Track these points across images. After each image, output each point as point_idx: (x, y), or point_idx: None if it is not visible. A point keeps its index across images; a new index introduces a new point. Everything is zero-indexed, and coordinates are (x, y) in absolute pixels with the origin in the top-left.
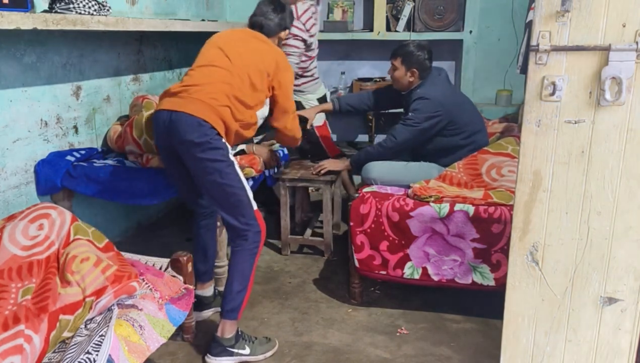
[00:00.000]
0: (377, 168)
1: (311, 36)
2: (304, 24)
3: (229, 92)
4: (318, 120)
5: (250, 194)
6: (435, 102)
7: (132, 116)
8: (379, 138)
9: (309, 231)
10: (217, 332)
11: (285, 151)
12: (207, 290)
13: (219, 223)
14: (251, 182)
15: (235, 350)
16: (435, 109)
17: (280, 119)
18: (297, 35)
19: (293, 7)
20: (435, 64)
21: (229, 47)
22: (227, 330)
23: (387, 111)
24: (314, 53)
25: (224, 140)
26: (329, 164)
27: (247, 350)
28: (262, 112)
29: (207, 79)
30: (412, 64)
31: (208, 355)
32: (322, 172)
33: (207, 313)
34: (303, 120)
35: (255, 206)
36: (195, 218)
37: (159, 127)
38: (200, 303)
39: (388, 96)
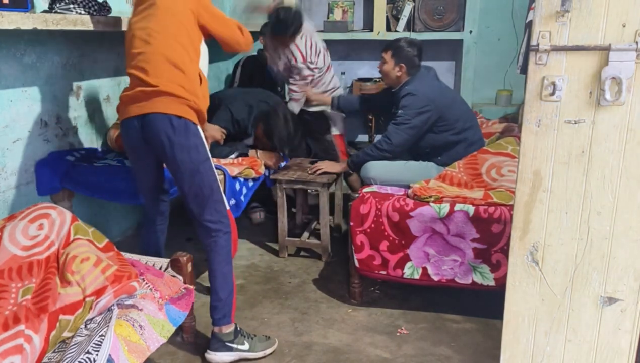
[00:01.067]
0: (376, 167)
1: (316, 67)
2: (311, 62)
3: (175, 73)
4: (338, 128)
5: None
6: (423, 98)
7: None
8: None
9: (306, 234)
10: (214, 329)
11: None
12: None
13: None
14: (251, 183)
15: (235, 346)
16: (423, 104)
17: (227, 42)
18: (307, 76)
19: (295, 48)
20: (435, 64)
21: (142, 29)
22: (224, 327)
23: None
24: (324, 68)
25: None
26: (326, 166)
27: (246, 346)
28: (203, 63)
29: (151, 77)
30: (400, 59)
31: (208, 350)
32: (318, 173)
33: None
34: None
35: (227, 205)
36: (149, 225)
37: (130, 132)
38: None
39: (385, 99)
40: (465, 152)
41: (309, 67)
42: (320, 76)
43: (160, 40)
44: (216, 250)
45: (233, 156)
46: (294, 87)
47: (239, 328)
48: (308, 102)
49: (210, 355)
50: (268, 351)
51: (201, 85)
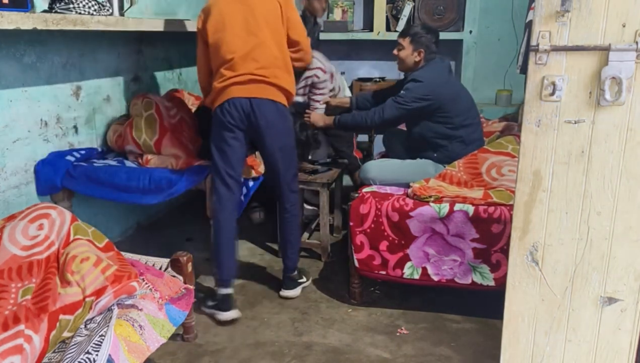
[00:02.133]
0: (374, 167)
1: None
2: (331, 75)
3: (281, 62)
4: None
5: None
6: (427, 86)
7: (132, 115)
8: (379, 138)
9: (306, 234)
10: (288, 273)
11: None
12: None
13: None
14: (251, 183)
15: (300, 282)
16: (425, 93)
17: (297, 44)
18: (331, 89)
19: (316, 69)
20: None
21: (242, 24)
22: (295, 272)
23: None
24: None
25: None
26: (314, 117)
27: (304, 279)
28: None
29: (261, 62)
30: (420, 45)
31: (283, 289)
32: (309, 121)
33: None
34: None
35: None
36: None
37: (235, 112)
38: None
39: (397, 91)
40: (461, 150)
41: (330, 82)
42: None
43: (265, 33)
44: (296, 214)
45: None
46: (317, 100)
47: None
48: (328, 108)
49: (287, 292)
50: (310, 279)
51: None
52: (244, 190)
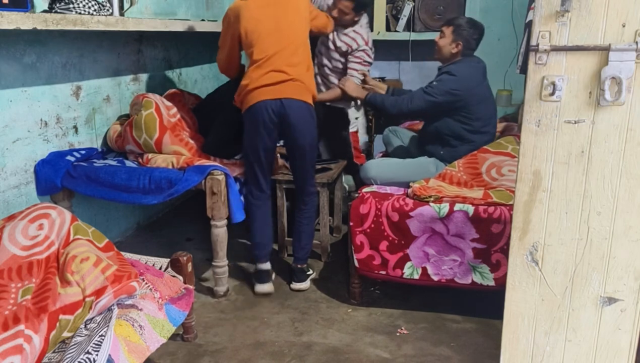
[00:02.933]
0: (375, 166)
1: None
2: (371, 48)
3: (306, 62)
4: (356, 125)
5: None
6: (459, 81)
7: (132, 115)
8: (379, 138)
9: None
10: (299, 265)
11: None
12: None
13: (217, 223)
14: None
15: (309, 274)
16: (456, 87)
17: (324, 32)
18: (366, 62)
19: (356, 34)
20: (435, 63)
21: (271, 25)
22: (304, 265)
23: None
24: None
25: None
26: (349, 84)
27: (311, 272)
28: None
29: (291, 62)
30: (460, 37)
31: (293, 282)
32: (343, 87)
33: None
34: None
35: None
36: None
37: (266, 114)
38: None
39: None
40: (467, 153)
41: (369, 53)
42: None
43: (291, 33)
44: (314, 206)
45: (237, 157)
46: (355, 68)
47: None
48: (344, 95)
49: (299, 284)
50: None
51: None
52: (238, 186)
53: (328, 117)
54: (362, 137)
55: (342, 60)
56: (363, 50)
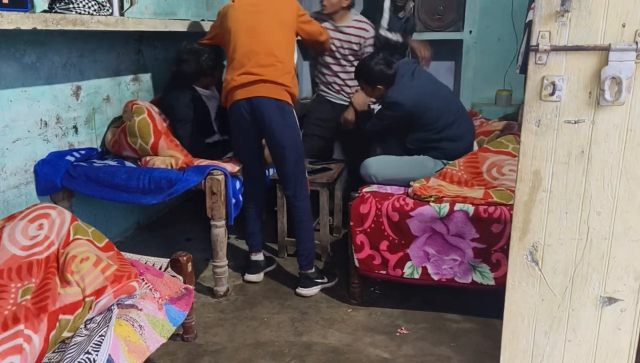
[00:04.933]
0: (374, 163)
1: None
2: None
3: (279, 65)
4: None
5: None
6: (400, 107)
7: (125, 121)
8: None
9: None
10: (302, 271)
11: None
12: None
13: (217, 223)
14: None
15: (318, 281)
16: (399, 114)
17: (317, 38)
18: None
19: (357, 22)
20: (435, 63)
21: (249, 25)
22: (310, 270)
23: None
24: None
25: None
26: (357, 98)
27: (325, 279)
28: (295, 58)
29: (259, 63)
30: (375, 81)
31: (299, 287)
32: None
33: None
34: None
35: (306, 175)
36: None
37: (240, 114)
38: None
39: None
40: (453, 147)
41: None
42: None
43: (265, 37)
44: (304, 208)
45: (229, 155)
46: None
47: (319, 268)
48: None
49: (303, 290)
50: (336, 280)
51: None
52: (238, 184)
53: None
54: None
55: (358, 52)
56: (372, 36)
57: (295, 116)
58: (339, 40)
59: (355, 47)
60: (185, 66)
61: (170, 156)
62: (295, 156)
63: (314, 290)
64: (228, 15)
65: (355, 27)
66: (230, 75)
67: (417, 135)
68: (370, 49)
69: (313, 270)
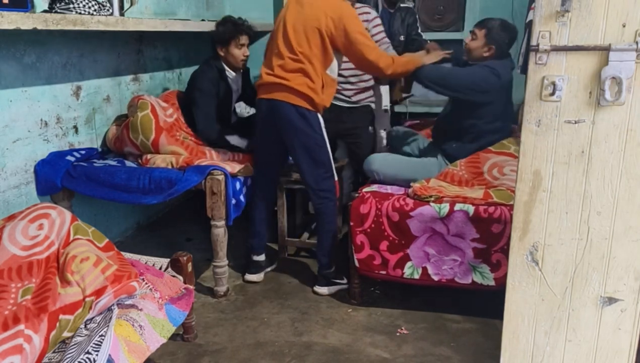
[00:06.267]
0: (380, 160)
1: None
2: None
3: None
4: (381, 125)
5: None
6: (497, 78)
7: (129, 117)
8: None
9: (306, 234)
10: (321, 270)
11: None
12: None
13: (217, 223)
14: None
15: (337, 281)
16: (496, 85)
17: (363, 63)
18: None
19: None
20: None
21: (288, 30)
22: (328, 269)
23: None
24: None
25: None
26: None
27: (344, 280)
28: (332, 68)
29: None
30: (493, 41)
31: (316, 285)
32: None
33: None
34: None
35: (335, 177)
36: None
37: (261, 111)
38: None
39: None
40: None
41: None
42: None
43: (296, 42)
44: (324, 212)
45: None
46: (381, 35)
47: (336, 268)
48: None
49: (318, 288)
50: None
51: (329, 89)
52: (245, 189)
53: (346, 118)
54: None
55: None
56: (376, 17)
57: (319, 121)
58: None
59: None
60: (220, 27)
61: (171, 153)
62: (309, 160)
63: (329, 289)
64: (284, 7)
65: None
66: (262, 69)
67: (473, 119)
68: (381, 34)
69: (331, 270)
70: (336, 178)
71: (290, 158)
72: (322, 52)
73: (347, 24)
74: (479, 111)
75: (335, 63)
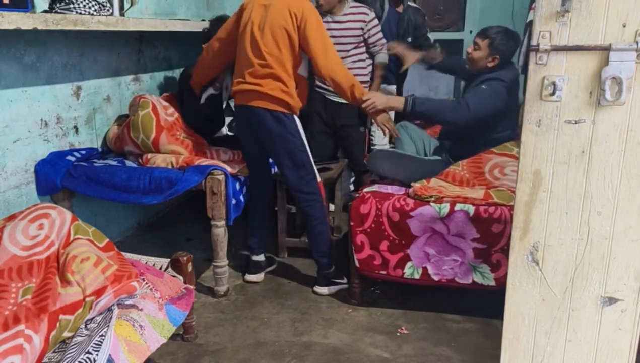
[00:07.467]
0: (385, 155)
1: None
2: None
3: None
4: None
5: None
6: (505, 85)
7: (130, 116)
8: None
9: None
10: (320, 271)
11: None
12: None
13: (217, 223)
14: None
15: (337, 281)
16: (504, 90)
17: (320, 65)
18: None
19: (354, 8)
20: None
21: (252, 30)
22: (327, 270)
23: None
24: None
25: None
26: (378, 98)
27: (344, 280)
28: (303, 67)
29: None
30: (497, 51)
31: (316, 286)
32: (370, 109)
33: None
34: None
35: (318, 178)
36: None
37: (239, 118)
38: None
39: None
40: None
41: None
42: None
43: (263, 46)
44: (312, 214)
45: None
46: (377, 43)
47: (336, 268)
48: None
49: (320, 289)
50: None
51: (298, 85)
52: (244, 189)
53: (335, 115)
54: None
55: (363, 37)
56: (374, 17)
57: (296, 124)
58: (338, 29)
59: (357, 32)
60: (213, 26)
61: (171, 152)
62: (290, 164)
63: (329, 290)
64: (244, 15)
65: (353, 13)
66: (234, 77)
67: (486, 129)
68: (378, 35)
69: (331, 270)
70: (319, 179)
71: (272, 162)
72: (290, 52)
73: (309, 20)
74: (491, 122)
75: (305, 62)
